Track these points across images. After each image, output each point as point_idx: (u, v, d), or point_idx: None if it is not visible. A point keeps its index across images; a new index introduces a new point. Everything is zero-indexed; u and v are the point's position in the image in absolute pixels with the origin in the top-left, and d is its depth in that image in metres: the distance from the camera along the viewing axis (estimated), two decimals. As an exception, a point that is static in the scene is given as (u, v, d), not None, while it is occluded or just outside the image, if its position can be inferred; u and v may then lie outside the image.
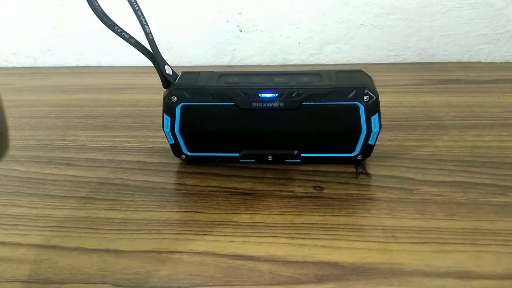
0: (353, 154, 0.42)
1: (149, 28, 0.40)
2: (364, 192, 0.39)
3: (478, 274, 0.30)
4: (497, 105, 0.54)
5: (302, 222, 0.36)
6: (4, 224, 0.37)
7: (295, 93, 0.40)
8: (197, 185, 0.41)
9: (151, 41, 0.40)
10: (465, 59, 0.70)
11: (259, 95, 0.40)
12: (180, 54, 0.75)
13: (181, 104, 0.41)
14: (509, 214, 0.36)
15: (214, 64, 0.75)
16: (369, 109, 0.39)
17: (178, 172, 0.44)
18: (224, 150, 0.43)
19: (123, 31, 0.39)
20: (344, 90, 0.39)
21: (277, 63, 0.74)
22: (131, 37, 0.39)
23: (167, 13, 0.72)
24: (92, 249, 0.34)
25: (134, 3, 0.39)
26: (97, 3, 0.37)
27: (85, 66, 0.77)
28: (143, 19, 0.39)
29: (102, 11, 0.38)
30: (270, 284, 0.30)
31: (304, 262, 0.32)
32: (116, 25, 0.38)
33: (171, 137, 0.42)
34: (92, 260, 0.33)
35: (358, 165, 0.43)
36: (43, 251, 0.34)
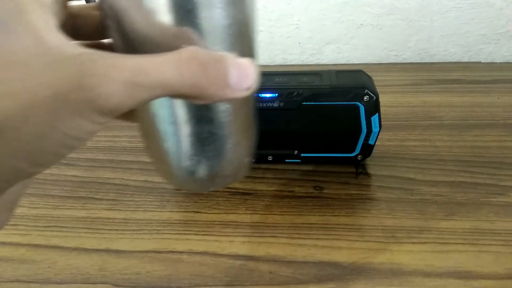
0: (353, 154, 0.42)
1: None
2: (364, 192, 0.39)
3: (478, 274, 0.30)
4: (497, 105, 0.54)
5: (302, 222, 0.36)
6: (4, 224, 0.37)
7: (295, 93, 0.40)
8: (197, 185, 0.41)
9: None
10: (465, 59, 0.70)
11: (259, 95, 0.40)
12: (180, 54, 0.75)
13: (181, 104, 0.40)
14: (509, 214, 0.36)
15: (214, 64, 0.75)
16: (369, 109, 0.39)
17: (178, 172, 0.43)
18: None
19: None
20: (344, 90, 0.39)
21: (277, 63, 0.74)
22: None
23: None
24: (92, 249, 0.34)
25: None
26: None
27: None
28: None
29: None
30: (270, 284, 0.30)
31: (304, 262, 0.32)
32: None
33: (171, 137, 0.42)
34: (92, 260, 0.33)
35: (358, 165, 0.43)
36: (43, 251, 0.34)
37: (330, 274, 0.31)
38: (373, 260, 0.32)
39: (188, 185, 0.22)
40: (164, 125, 0.20)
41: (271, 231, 0.35)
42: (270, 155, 0.43)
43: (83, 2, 0.37)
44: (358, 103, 0.39)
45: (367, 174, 0.42)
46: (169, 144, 0.20)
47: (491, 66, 0.69)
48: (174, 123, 0.19)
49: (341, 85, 0.40)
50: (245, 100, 0.17)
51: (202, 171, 0.21)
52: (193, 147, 0.20)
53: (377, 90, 0.40)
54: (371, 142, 0.41)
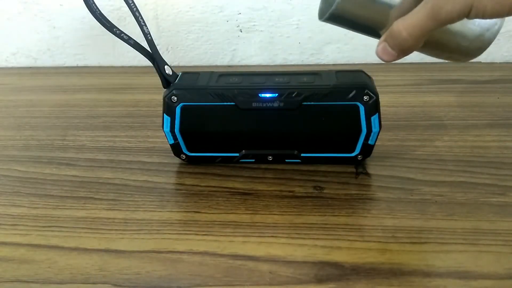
0: (353, 154, 0.42)
1: (147, 28, 0.40)
2: (364, 192, 0.39)
3: (478, 274, 0.30)
4: (497, 105, 0.54)
5: (302, 222, 0.36)
6: (4, 224, 0.37)
7: (295, 93, 0.40)
8: (197, 185, 0.41)
9: (150, 42, 0.40)
10: (465, 59, 0.70)
11: (259, 95, 0.40)
12: (180, 54, 0.75)
13: (181, 104, 0.41)
14: (509, 214, 0.36)
15: (214, 64, 0.75)
16: (369, 109, 0.39)
17: (178, 172, 0.43)
18: (224, 150, 0.43)
19: (122, 32, 0.39)
20: (344, 90, 0.39)
21: (277, 63, 0.74)
22: (130, 38, 0.39)
23: (167, 13, 0.72)
24: (92, 249, 0.34)
25: (132, 4, 0.39)
26: (95, 5, 0.37)
27: (85, 66, 0.77)
28: (141, 20, 0.39)
29: (101, 13, 0.38)
30: (270, 284, 0.30)
31: (304, 262, 0.32)
32: (114, 26, 0.38)
33: (171, 137, 0.42)
34: (92, 260, 0.33)
35: (358, 165, 0.43)
36: (43, 251, 0.34)
37: (330, 274, 0.31)
38: (373, 260, 0.32)
39: (477, 52, 0.34)
40: (464, 31, 0.33)
41: (271, 231, 0.35)
42: (270, 155, 0.43)
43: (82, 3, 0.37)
44: (358, 103, 0.39)
45: (367, 174, 0.42)
46: (467, 38, 0.33)
47: (491, 66, 0.69)
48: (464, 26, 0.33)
49: (341, 85, 0.40)
50: None
51: (485, 39, 0.34)
52: (478, 34, 0.33)
53: (377, 90, 0.40)
54: (371, 142, 0.41)
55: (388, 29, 0.31)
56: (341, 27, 0.36)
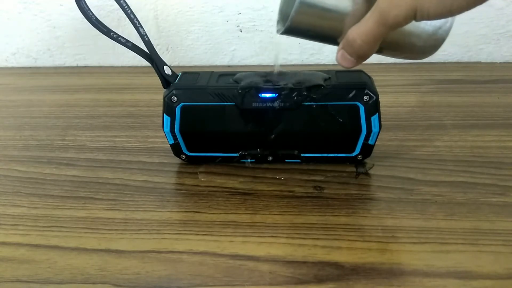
0: (353, 154, 0.42)
1: (144, 30, 0.40)
2: (364, 192, 0.39)
3: (478, 274, 0.30)
4: (497, 105, 0.54)
5: (302, 222, 0.36)
6: (4, 224, 0.37)
7: (295, 93, 0.40)
8: (197, 185, 0.41)
9: (147, 43, 0.40)
10: (465, 59, 0.70)
11: (259, 95, 0.40)
12: (180, 54, 0.75)
13: (181, 104, 0.41)
14: (509, 214, 0.36)
15: (214, 64, 0.75)
16: (369, 109, 0.39)
17: (178, 172, 0.43)
18: (224, 150, 0.43)
19: (119, 36, 0.39)
20: (344, 90, 0.39)
21: (277, 63, 0.74)
22: (127, 41, 0.39)
23: (167, 13, 0.72)
24: (92, 249, 0.34)
25: (126, 7, 0.39)
26: (91, 12, 0.37)
27: (85, 66, 0.77)
28: (136, 22, 0.39)
29: (97, 19, 0.38)
30: (270, 284, 0.30)
31: (304, 262, 0.32)
32: (111, 31, 0.38)
33: (171, 137, 0.42)
34: (92, 260, 0.33)
35: (358, 165, 0.43)
36: (43, 251, 0.34)
37: (330, 274, 0.31)
38: (373, 260, 0.32)
39: (432, 49, 0.35)
40: (418, 32, 0.34)
41: (271, 231, 0.35)
42: (270, 155, 0.43)
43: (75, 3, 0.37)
44: (358, 103, 0.39)
45: (367, 174, 0.42)
46: (421, 38, 0.34)
47: (491, 66, 0.69)
48: (421, 29, 0.34)
49: (341, 85, 0.40)
50: None
51: (438, 37, 0.35)
52: (431, 33, 0.34)
53: (377, 90, 0.40)
54: (371, 142, 0.41)
55: (344, 37, 0.32)
56: (300, 38, 0.37)
